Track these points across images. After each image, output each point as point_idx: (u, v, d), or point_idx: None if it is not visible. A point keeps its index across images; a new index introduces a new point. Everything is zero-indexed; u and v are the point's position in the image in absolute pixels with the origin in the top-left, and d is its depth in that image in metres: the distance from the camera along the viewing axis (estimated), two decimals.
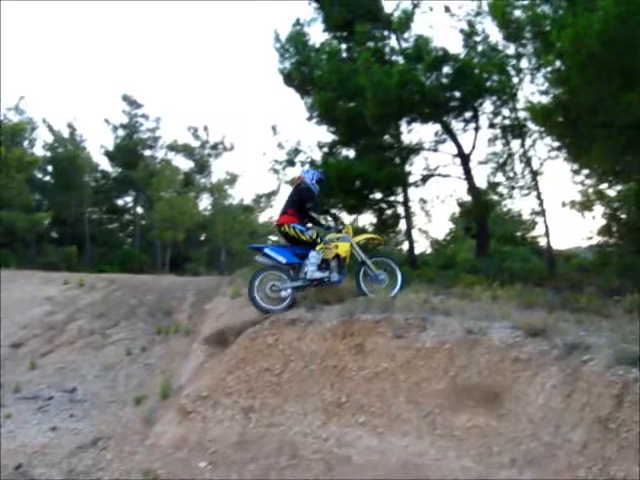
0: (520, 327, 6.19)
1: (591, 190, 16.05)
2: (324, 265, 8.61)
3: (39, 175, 35.04)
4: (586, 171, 15.52)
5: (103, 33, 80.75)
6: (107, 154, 38.48)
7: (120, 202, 40.20)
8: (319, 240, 8.73)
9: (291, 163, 18.26)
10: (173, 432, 7.81)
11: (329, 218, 9.26)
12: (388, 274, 8.82)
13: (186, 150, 39.85)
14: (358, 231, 9.13)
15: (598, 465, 4.48)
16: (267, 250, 8.82)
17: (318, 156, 18.09)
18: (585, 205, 15.69)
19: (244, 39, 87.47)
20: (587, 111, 10.48)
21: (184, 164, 40.41)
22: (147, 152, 39.55)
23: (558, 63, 11.00)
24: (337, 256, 8.67)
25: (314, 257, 8.51)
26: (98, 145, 46.99)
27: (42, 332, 12.77)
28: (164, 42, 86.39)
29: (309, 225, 9.09)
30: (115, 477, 7.17)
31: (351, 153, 18.47)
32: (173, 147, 39.76)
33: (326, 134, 19.32)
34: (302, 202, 8.91)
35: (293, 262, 8.71)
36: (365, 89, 14.34)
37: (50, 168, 35.49)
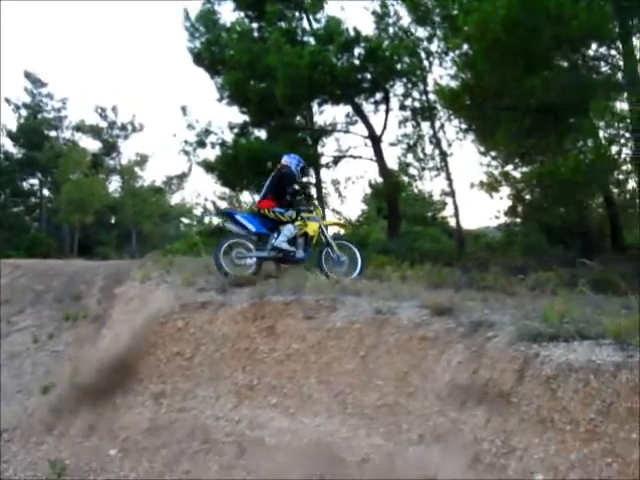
0: (427, 306, 6.28)
1: (497, 171, 16.53)
2: (292, 240, 8.89)
3: None
4: (493, 153, 15.96)
5: (2, 5, 76.97)
6: (9, 135, 36.92)
7: (25, 185, 38.68)
8: (299, 219, 9.05)
9: (202, 144, 18.12)
10: (82, 420, 7.63)
11: (303, 199, 9.49)
12: (348, 258, 9.16)
13: (94, 131, 38.92)
14: None
15: (501, 438, 4.63)
16: (238, 217, 9.03)
17: (229, 137, 17.98)
18: (492, 186, 16.09)
19: (153, 17, 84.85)
20: (492, 95, 10.79)
21: (92, 145, 39.37)
22: (52, 133, 38.34)
23: (465, 47, 11.23)
24: (305, 234, 9.02)
25: (289, 230, 8.82)
26: None
27: None
28: (70, 18, 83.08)
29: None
30: (21, 469, 6.97)
31: (263, 134, 18.45)
32: (80, 128, 38.77)
33: (237, 115, 19.24)
34: (284, 186, 9.14)
35: (262, 232, 8.94)
36: (276, 69, 14.31)
37: None
